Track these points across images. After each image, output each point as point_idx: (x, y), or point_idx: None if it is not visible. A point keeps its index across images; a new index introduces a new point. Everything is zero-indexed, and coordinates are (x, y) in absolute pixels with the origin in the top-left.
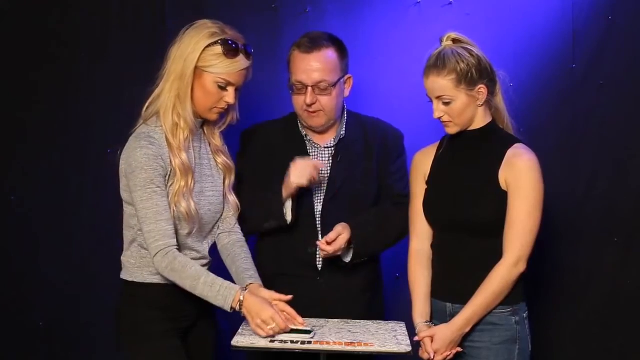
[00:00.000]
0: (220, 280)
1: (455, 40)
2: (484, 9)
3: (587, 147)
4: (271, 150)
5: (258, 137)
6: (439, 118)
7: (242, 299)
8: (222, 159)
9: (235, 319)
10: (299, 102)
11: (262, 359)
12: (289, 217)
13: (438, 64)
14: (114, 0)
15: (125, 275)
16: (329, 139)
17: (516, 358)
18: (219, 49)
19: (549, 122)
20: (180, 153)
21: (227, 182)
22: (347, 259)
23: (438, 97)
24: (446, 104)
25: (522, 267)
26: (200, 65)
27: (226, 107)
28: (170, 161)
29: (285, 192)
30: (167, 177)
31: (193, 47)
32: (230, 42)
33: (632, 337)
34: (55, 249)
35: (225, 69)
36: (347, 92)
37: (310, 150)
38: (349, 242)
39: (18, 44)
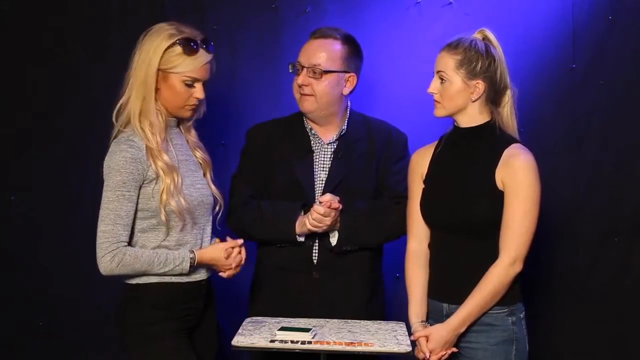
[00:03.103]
0: (171, 254)
1: (485, 38)
2: (484, 9)
3: (587, 147)
4: (274, 145)
5: (261, 135)
6: (431, 94)
7: (194, 257)
8: (200, 154)
9: (235, 319)
10: (295, 83)
11: (262, 358)
12: (302, 238)
13: (453, 43)
14: (113, 0)
15: (127, 277)
16: (332, 135)
17: (513, 359)
18: (178, 49)
19: (549, 122)
20: (160, 154)
21: (207, 176)
22: (334, 241)
23: (438, 72)
24: (442, 81)
25: (518, 267)
26: (163, 67)
27: (197, 102)
28: (151, 164)
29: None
30: (145, 180)
31: (153, 51)
32: (188, 40)
33: (631, 337)
34: (55, 249)
35: (188, 67)
36: (346, 90)
37: (314, 146)
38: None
39: (18, 43)
